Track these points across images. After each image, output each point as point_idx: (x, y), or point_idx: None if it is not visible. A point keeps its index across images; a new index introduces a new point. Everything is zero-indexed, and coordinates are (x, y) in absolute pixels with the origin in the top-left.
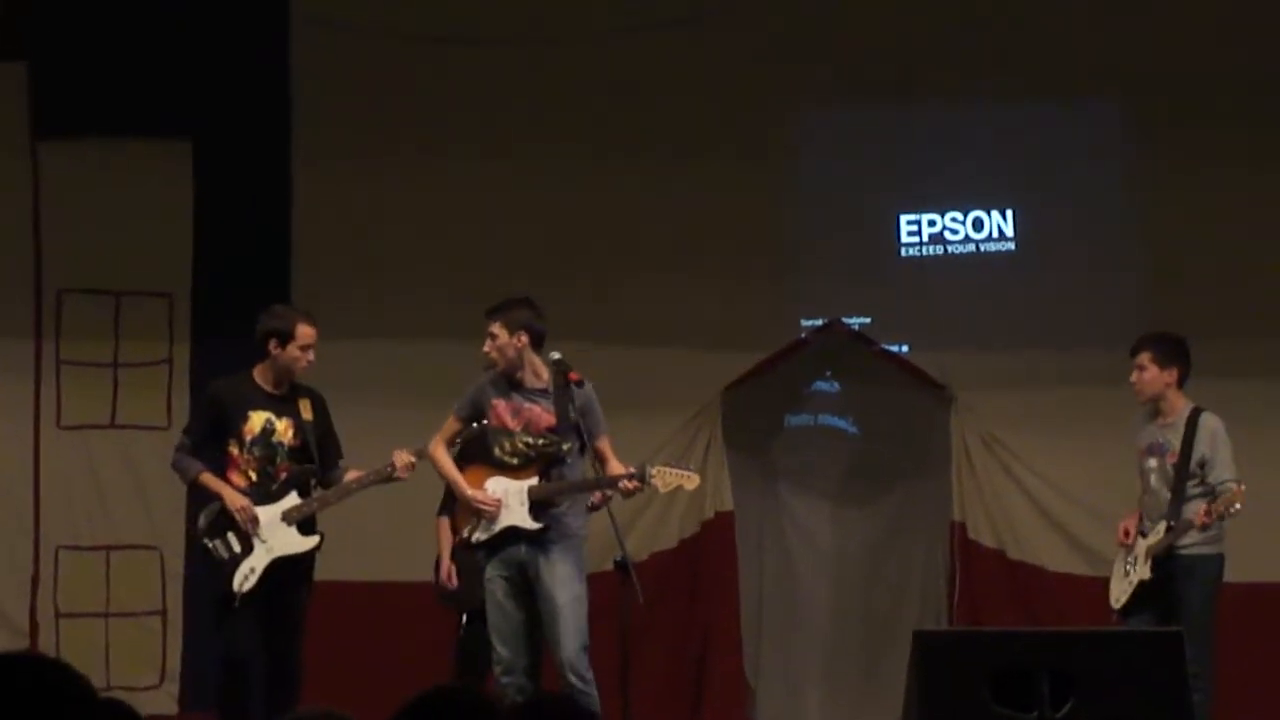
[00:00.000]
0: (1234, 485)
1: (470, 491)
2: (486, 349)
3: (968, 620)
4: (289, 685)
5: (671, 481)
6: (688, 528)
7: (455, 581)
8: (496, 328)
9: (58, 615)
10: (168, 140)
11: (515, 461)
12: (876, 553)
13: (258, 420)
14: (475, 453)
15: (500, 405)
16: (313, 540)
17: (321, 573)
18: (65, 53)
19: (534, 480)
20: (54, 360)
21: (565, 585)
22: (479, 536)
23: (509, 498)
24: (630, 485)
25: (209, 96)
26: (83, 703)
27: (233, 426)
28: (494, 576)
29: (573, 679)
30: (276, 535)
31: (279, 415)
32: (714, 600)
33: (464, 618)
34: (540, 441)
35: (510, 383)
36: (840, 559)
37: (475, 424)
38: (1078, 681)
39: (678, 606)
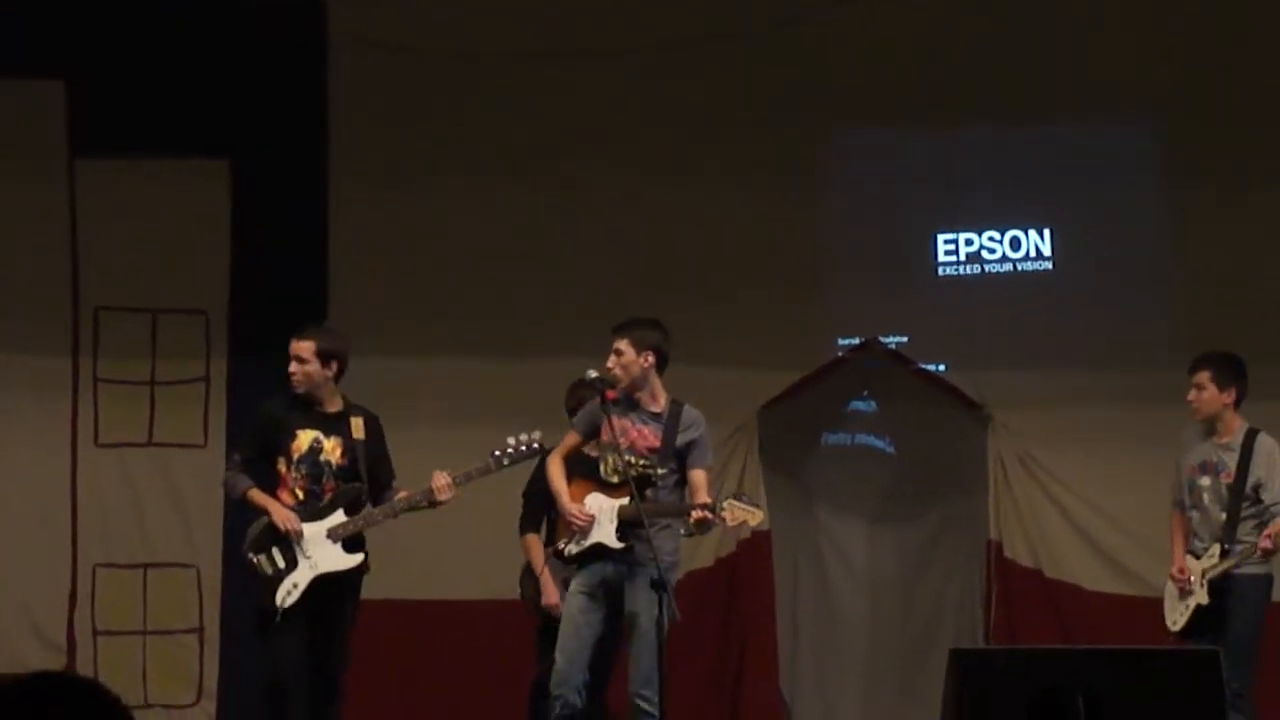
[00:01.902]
0: None
1: (567, 505)
2: (610, 365)
3: (1004, 639)
4: (331, 704)
5: (739, 516)
6: (724, 546)
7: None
8: (624, 345)
9: (95, 633)
10: (205, 159)
11: (615, 479)
12: (913, 572)
13: (305, 439)
14: (585, 468)
15: (614, 421)
16: (357, 558)
17: (389, 591)
18: (103, 71)
19: (625, 500)
20: (91, 378)
21: (649, 607)
22: (571, 550)
23: (602, 515)
24: (699, 515)
25: (246, 115)
26: None
27: (282, 445)
28: (576, 591)
29: (641, 701)
30: (321, 552)
31: (327, 434)
32: (750, 619)
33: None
34: (641, 462)
35: (629, 402)
36: (876, 578)
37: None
38: (1113, 701)
39: (714, 625)
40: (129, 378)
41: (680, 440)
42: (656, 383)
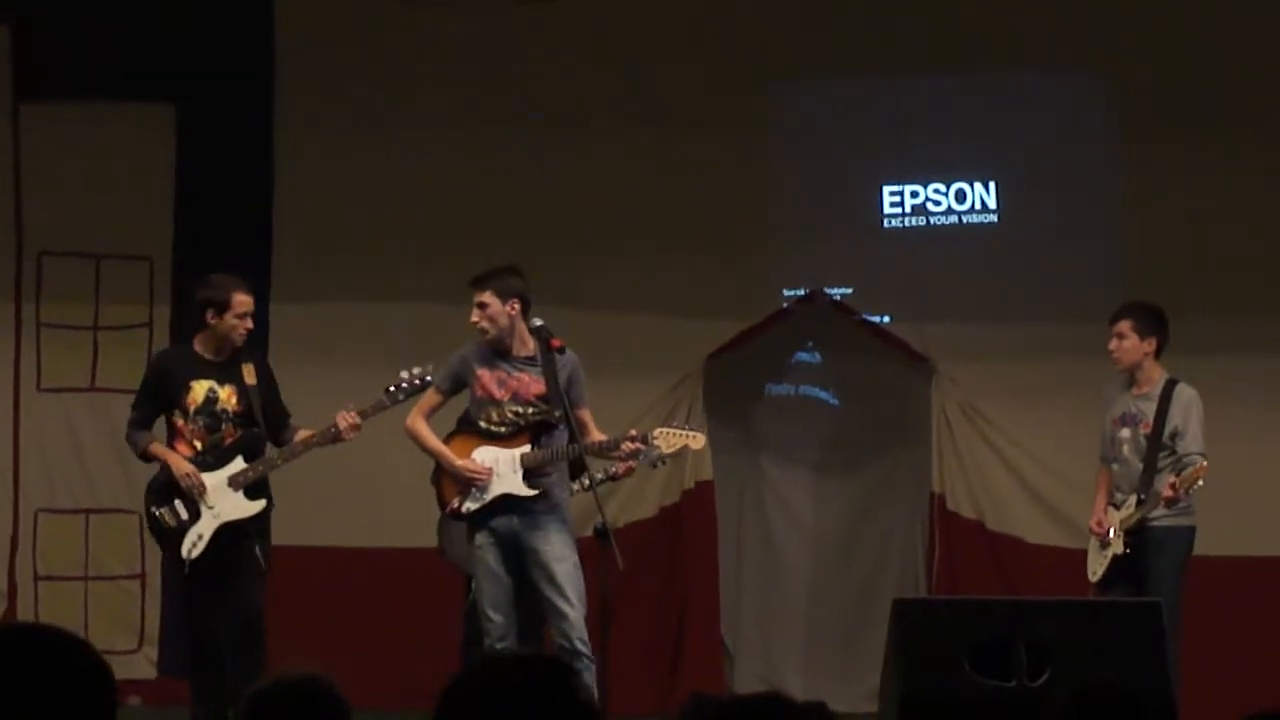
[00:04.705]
0: (1199, 460)
1: (459, 462)
2: (476, 319)
3: (946, 591)
4: (254, 647)
5: (676, 442)
6: (668, 496)
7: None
8: (488, 297)
9: (36, 578)
10: (151, 104)
11: (504, 430)
12: (856, 523)
13: (200, 389)
14: (460, 424)
15: (485, 375)
16: (259, 504)
17: (314, 538)
18: (49, 15)
19: (525, 448)
20: (34, 323)
21: (565, 556)
22: (469, 506)
23: (500, 466)
24: (631, 446)
25: (193, 61)
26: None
27: (176, 398)
28: (484, 544)
29: (580, 645)
30: (223, 501)
31: (221, 382)
32: (693, 568)
33: (472, 581)
34: (529, 410)
35: (496, 352)
36: (820, 529)
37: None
38: (1055, 651)
39: (657, 574)
40: (72, 323)
41: (562, 379)
42: (523, 328)
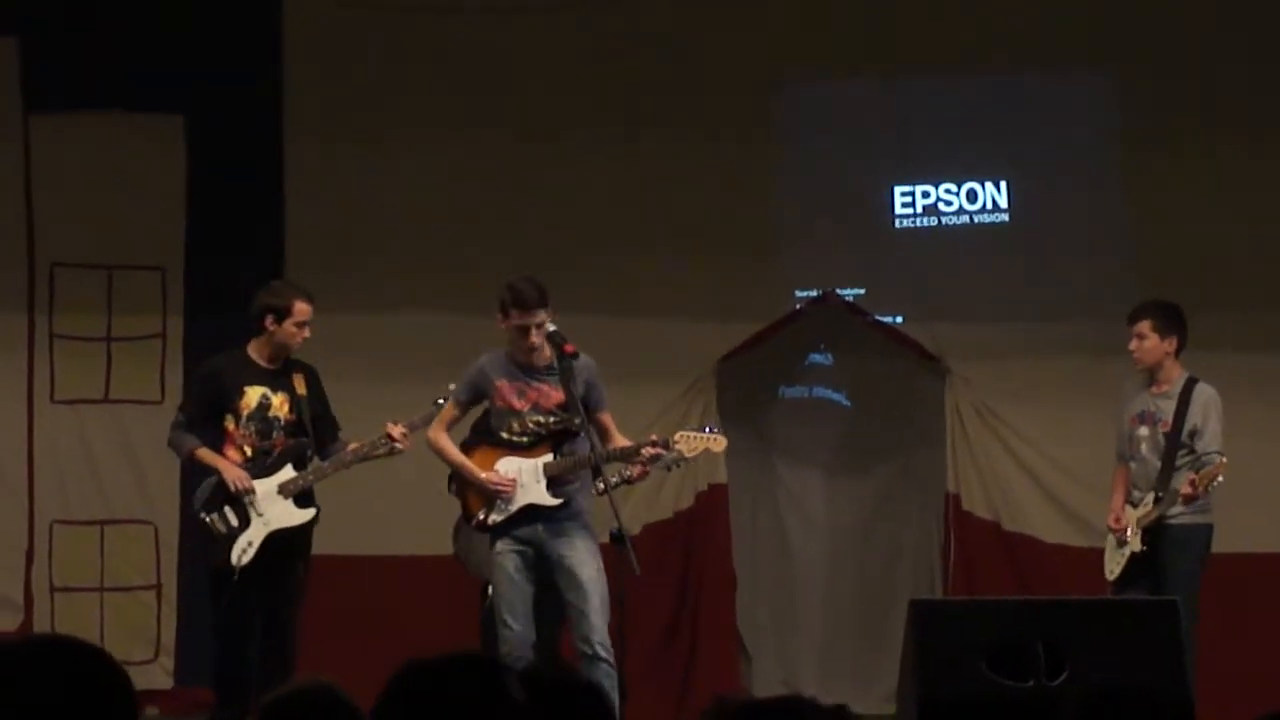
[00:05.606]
0: (1218, 459)
1: (483, 474)
2: (535, 339)
3: (962, 591)
4: (285, 657)
5: (697, 445)
6: (682, 500)
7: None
8: (546, 315)
9: (52, 590)
10: (160, 114)
11: (526, 440)
12: (870, 524)
13: (254, 395)
14: (480, 435)
15: (505, 386)
16: (309, 513)
17: (331, 547)
18: (57, 27)
19: (548, 457)
20: (47, 335)
21: (588, 561)
22: (495, 518)
23: (523, 476)
24: (651, 450)
25: (202, 70)
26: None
27: (229, 402)
28: (505, 551)
29: (601, 651)
30: (273, 508)
31: (274, 390)
32: (708, 571)
33: (489, 587)
34: (551, 419)
35: (515, 362)
36: (834, 530)
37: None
38: (1073, 650)
39: (672, 578)
40: (85, 334)
41: (580, 387)
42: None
